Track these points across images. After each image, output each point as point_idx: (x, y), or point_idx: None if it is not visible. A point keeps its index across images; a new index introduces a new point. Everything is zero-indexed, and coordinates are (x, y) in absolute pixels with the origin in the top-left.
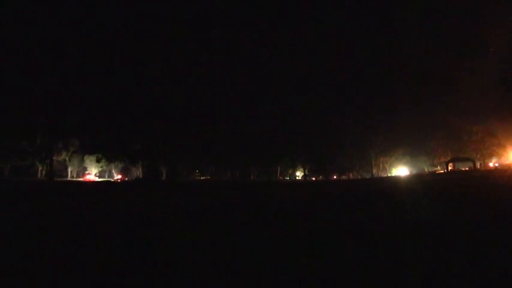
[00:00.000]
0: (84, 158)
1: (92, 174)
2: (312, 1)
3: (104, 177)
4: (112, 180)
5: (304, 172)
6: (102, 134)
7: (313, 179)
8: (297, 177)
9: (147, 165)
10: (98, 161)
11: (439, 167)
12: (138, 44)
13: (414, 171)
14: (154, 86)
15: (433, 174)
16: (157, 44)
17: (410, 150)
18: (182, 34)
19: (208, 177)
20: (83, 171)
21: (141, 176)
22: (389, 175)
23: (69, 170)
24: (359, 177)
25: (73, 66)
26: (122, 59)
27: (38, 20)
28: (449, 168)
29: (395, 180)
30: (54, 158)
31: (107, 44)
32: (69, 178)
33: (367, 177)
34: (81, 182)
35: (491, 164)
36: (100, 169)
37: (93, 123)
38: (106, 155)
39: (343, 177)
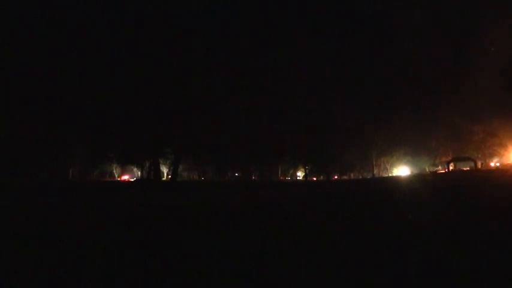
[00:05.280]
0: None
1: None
2: (313, 1)
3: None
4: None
5: (305, 172)
6: (103, 135)
7: (314, 179)
8: (298, 177)
9: (149, 166)
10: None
11: (440, 167)
12: (138, 43)
13: (415, 171)
14: (154, 86)
15: (434, 174)
16: (158, 43)
17: (411, 150)
18: (183, 32)
19: (207, 177)
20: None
21: (140, 176)
22: (390, 175)
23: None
24: (360, 177)
25: (73, 66)
26: (121, 59)
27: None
28: (451, 168)
29: (397, 180)
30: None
31: (106, 44)
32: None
33: (368, 177)
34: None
35: (492, 164)
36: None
37: (95, 124)
38: (106, 156)
39: (344, 177)
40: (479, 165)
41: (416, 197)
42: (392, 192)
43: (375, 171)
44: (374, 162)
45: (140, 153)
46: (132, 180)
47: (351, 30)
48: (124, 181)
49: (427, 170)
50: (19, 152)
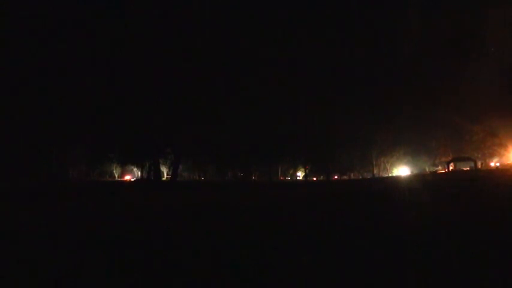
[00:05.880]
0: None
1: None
2: (312, 2)
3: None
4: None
5: (305, 172)
6: (103, 135)
7: (314, 179)
8: (298, 177)
9: (149, 166)
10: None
11: (440, 167)
12: (138, 43)
13: (415, 171)
14: (154, 86)
15: (434, 174)
16: (158, 43)
17: (411, 150)
18: (183, 31)
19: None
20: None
21: (140, 176)
22: (390, 175)
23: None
24: (360, 177)
25: (73, 66)
26: (121, 59)
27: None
28: (451, 168)
29: (397, 180)
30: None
31: (106, 44)
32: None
33: (368, 177)
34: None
35: (492, 164)
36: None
37: (95, 124)
38: (106, 156)
39: (344, 177)
40: (479, 165)
41: (417, 197)
42: (392, 192)
43: (375, 171)
44: (374, 162)
45: (140, 153)
46: (133, 180)
47: (351, 31)
48: (126, 181)
49: (427, 170)
50: (19, 152)
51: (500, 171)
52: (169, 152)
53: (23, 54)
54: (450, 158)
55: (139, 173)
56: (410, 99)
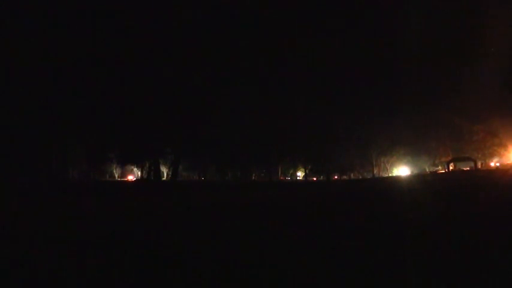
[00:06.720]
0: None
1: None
2: (312, 2)
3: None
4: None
5: (305, 172)
6: (103, 135)
7: (314, 179)
8: (298, 177)
9: (149, 166)
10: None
11: (440, 167)
12: (137, 43)
13: (415, 171)
14: (154, 86)
15: (434, 174)
16: (158, 43)
17: (411, 150)
18: (183, 31)
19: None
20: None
21: (140, 176)
22: (390, 175)
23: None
24: (360, 177)
25: (73, 66)
26: (121, 59)
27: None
28: (451, 168)
29: (397, 180)
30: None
31: (106, 44)
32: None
33: (368, 177)
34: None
35: (492, 164)
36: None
37: (95, 124)
38: (106, 156)
39: (344, 177)
40: (479, 165)
41: (417, 197)
42: (392, 192)
43: (375, 171)
44: (374, 162)
45: (140, 153)
46: (133, 180)
47: (351, 30)
48: (129, 181)
49: (427, 170)
50: (19, 151)
51: (500, 171)
52: (169, 152)
53: (23, 53)
54: (450, 158)
55: (139, 173)
56: (410, 99)
